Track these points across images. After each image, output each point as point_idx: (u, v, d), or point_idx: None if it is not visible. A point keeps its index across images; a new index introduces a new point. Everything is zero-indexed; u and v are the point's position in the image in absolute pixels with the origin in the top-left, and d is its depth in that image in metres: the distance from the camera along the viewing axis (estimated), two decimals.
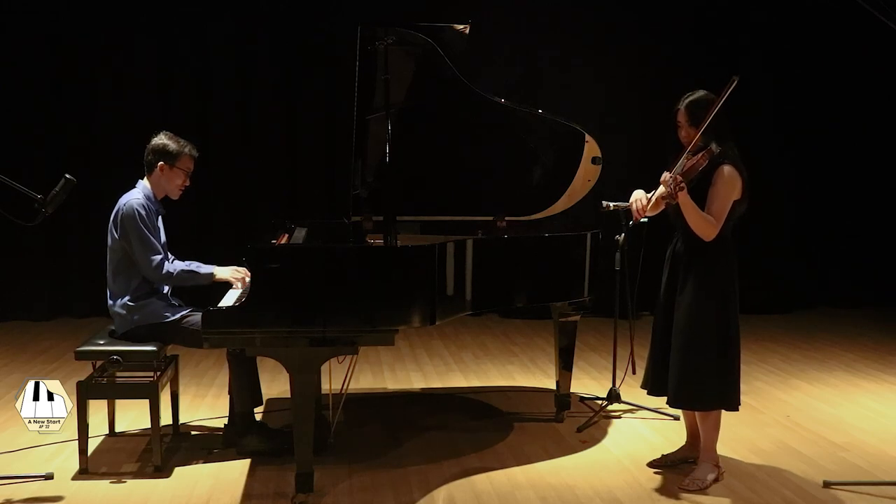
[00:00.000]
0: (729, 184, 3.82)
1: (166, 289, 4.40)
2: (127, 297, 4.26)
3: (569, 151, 4.94)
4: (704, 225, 3.83)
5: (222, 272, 4.38)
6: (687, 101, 3.93)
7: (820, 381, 5.80)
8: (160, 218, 4.41)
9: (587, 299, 4.69)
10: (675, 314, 3.94)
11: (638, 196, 4.02)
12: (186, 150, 4.38)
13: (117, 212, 4.28)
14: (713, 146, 3.83)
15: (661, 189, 3.91)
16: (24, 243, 7.40)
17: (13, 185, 3.77)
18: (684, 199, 3.81)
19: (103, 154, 7.57)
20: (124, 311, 4.27)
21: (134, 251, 4.21)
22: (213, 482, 4.01)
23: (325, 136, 7.73)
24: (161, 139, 4.37)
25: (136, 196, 4.30)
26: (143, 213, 4.22)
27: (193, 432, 4.70)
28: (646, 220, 4.19)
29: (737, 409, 3.97)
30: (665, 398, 4.01)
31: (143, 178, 4.40)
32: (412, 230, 4.95)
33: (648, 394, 4.15)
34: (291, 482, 3.83)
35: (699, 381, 3.88)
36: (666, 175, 3.84)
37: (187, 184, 4.45)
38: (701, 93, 3.93)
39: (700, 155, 3.84)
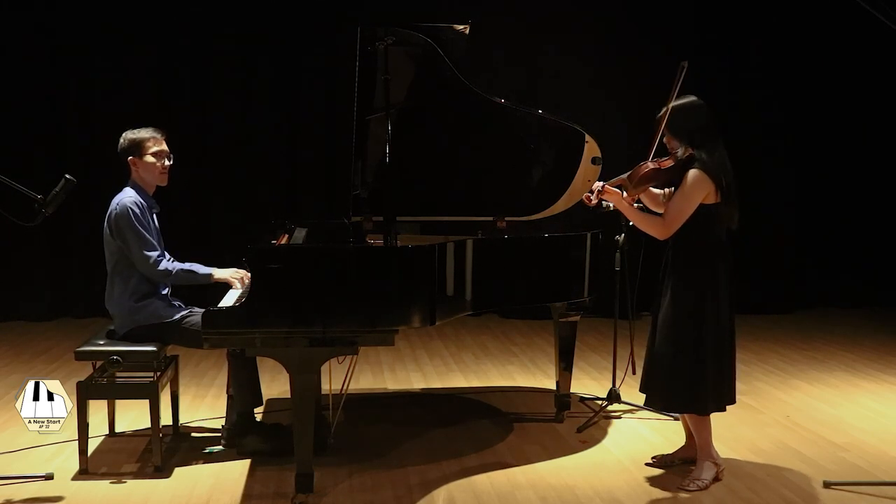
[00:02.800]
0: (690, 187, 3.82)
1: (166, 289, 4.39)
2: (126, 298, 4.26)
3: (569, 152, 4.94)
4: (649, 226, 3.94)
5: (221, 272, 4.37)
6: (667, 108, 3.94)
7: (820, 381, 5.80)
8: (155, 215, 4.40)
9: (587, 299, 4.69)
10: (658, 321, 3.98)
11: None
12: (147, 134, 4.35)
13: (110, 213, 4.26)
14: (679, 150, 3.84)
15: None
16: (25, 243, 7.40)
17: (13, 185, 3.77)
18: (622, 206, 3.92)
19: (103, 154, 7.53)
20: (124, 312, 4.26)
21: (130, 250, 4.20)
22: (213, 482, 4.01)
23: (325, 136, 7.74)
24: (123, 137, 4.37)
25: (128, 195, 4.29)
26: (136, 210, 4.21)
27: (193, 433, 4.70)
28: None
29: (706, 414, 3.94)
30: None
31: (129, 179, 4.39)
32: (412, 230, 4.94)
33: (641, 392, 4.16)
34: (291, 482, 3.83)
35: (669, 384, 3.91)
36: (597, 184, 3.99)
37: (168, 163, 4.39)
38: (685, 99, 3.94)
39: (664, 159, 3.87)
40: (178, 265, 4.29)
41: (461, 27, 4.52)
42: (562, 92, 7.78)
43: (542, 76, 7.90)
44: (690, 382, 3.88)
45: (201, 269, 4.37)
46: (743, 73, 7.98)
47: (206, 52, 7.68)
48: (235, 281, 4.34)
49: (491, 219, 5.03)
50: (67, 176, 3.80)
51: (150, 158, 4.34)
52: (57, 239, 7.58)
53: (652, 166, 3.86)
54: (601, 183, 4.03)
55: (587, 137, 4.91)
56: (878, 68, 8.06)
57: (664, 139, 3.96)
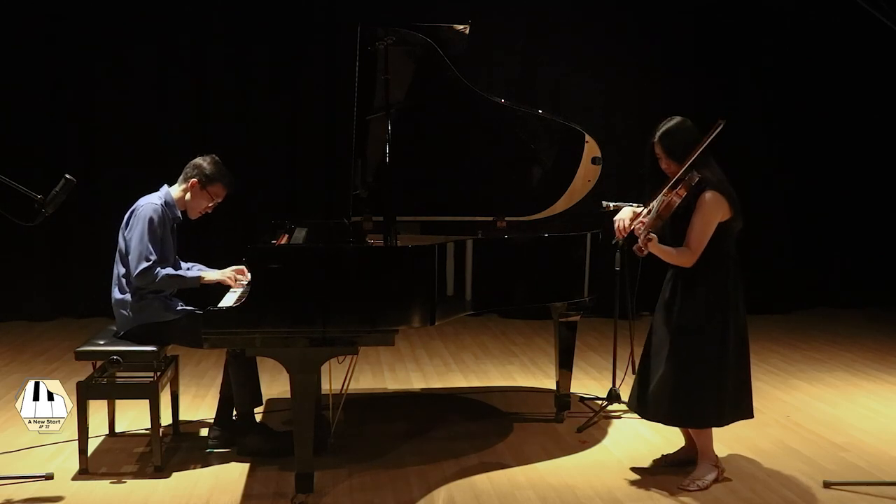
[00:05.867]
0: (709, 211, 3.81)
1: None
2: (129, 296, 4.26)
3: (569, 151, 4.94)
4: (679, 260, 3.86)
5: (211, 274, 4.38)
6: (661, 132, 3.90)
7: (820, 381, 5.80)
8: (174, 225, 4.40)
9: (587, 299, 4.69)
10: (671, 329, 3.92)
11: (622, 217, 4.02)
12: (226, 182, 4.40)
13: (132, 211, 4.28)
14: (691, 175, 3.80)
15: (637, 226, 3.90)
16: (24, 243, 7.39)
17: (13, 185, 3.76)
18: (655, 249, 3.82)
19: (103, 154, 7.57)
20: (125, 311, 4.26)
21: (129, 250, 4.21)
22: (213, 482, 4.02)
23: (325, 136, 7.73)
24: (206, 160, 4.39)
25: (155, 201, 4.29)
26: (155, 219, 4.22)
27: (193, 433, 4.70)
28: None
29: (722, 426, 3.97)
30: (642, 414, 4.04)
31: (169, 185, 4.40)
32: (412, 230, 4.94)
33: (628, 406, 4.15)
34: (291, 482, 3.83)
35: (691, 400, 3.88)
36: (639, 227, 3.85)
37: (209, 211, 4.46)
38: (674, 121, 3.91)
39: (678, 189, 3.81)
40: (164, 271, 4.24)
41: (461, 27, 4.52)
42: (562, 92, 7.79)
43: (543, 76, 7.89)
44: (710, 396, 3.87)
45: (191, 273, 4.39)
46: (742, 73, 7.98)
47: (206, 53, 7.68)
48: (229, 280, 4.33)
49: (491, 219, 5.03)
50: (67, 176, 3.79)
51: (206, 195, 4.38)
52: (57, 239, 7.58)
53: (677, 200, 3.81)
54: (648, 234, 3.81)
55: (587, 137, 4.91)
56: (878, 68, 8.05)
57: (661, 164, 3.92)
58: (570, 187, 5.00)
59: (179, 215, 4.40)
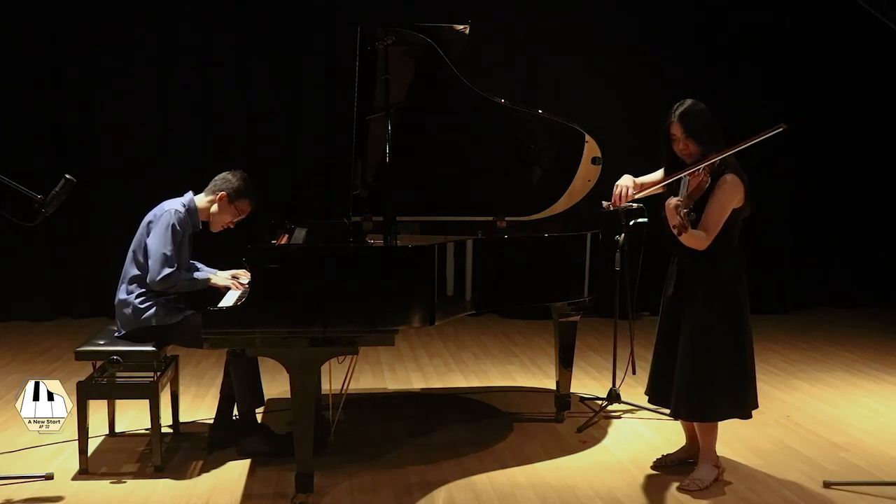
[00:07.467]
0: (729, 193, 3.79)
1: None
2: (134, 297, 4.26)
3: (569, 151, 4.94)
4: (696, 242, 3.81)
5: (217, 279, 4.40)
6: (679, 112, 3.86)
7: (820, 381, 5.80)
8: (192, 233, 4.41)
9: (587, 299, 4.69)
10: (683, 325, 3.89)
11: (625, 183, 4.00)
12: (253, 196, 4.43)
13: (154, 215, 4.29)
14: (713, 157, 3.80)
15: (672, 203, 3.80)
16: (25, 243, 7.39)
17: (13, 185, 3.76)
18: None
19: (103, 155, 7.57)
20: (129, 312, 4.26)
21: (150, 254, 4.21)
22: (213, 482, 4.02)
23: (325, 136, 7.73)
24: (236, 175, 4.42)
25: (178, 208, 4.30)
26: (177, 226, 4.24)
27: (193, 433, 4.70)
28: (641, 208, 4.19)
29: (750, 417, 3.97)
30: (666, 407, 4.03)
31: (194, 193, 4.41)
32: (412, 230, 4.94)
33: (650, 402, 4.15)
34: (291, 482, 3.83)
35: (713, 393, 3.86)
36: (672, 201, 3.76)
37: (231, 226, 4.48)
38: (689, 102, 3.89)
39: (703, 170, 3.81)
40: (179, 277, 4.26)
41: (461, 27, 4.52)
42: (562, 92, 7.79)
43: (543, 76, 7.90)
44: (734, 391, 3.87)
45: (201, 274, 4.41)
46: (744, 71, 7.99)
47: (207, 53, 7.68)
48: (234, 286, 4.34)
49: (491, 219, 5.03)
50: (67, 176, 3.79)
51: (232, 210, 4.42)
52: (57, 239, 7.58)
53: (708, 180, 3.80)
54: (689, 211, 3.73)
55: (587, 137, 4.91)
56: (878, 68, 8.05)
57: (677, 146, 3.88)
58: (570, 187, 5.00)
59: (200, 225, 4.42)
